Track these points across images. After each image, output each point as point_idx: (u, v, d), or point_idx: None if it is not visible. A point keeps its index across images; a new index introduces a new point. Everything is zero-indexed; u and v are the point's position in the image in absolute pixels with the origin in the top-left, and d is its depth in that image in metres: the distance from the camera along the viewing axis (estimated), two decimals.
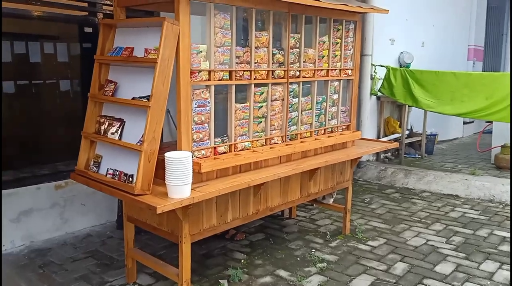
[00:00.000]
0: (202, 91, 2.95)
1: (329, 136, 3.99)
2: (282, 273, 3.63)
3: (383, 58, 7.05)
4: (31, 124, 4.84)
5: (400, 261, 3.88)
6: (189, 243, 2.97)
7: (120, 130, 2.95)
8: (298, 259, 3.90)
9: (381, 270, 3.70)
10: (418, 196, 5.82)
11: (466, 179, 6.03)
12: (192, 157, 2.87)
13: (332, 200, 4.64)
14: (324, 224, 4.77)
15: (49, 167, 4.53)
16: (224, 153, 3.16)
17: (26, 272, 3.63)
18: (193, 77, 2.86)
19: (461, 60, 9.50)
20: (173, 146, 3.11)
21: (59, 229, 4.32)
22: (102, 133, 3.04)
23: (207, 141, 3.03)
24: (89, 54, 4.18)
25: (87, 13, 4.50)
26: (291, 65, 3.53)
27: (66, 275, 3.59)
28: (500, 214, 5.11)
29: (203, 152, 3.01)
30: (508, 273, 3.67)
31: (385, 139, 7.04)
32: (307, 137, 3.83)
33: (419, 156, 7.68)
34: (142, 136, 2.72)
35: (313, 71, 3.76)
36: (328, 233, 4.47)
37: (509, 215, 5.06)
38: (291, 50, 3.51)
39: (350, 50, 4.14)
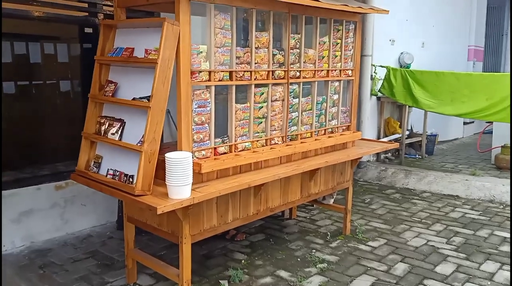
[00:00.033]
0: (203, 92, 2.95)
1: (329, 137, 3.99)
2: (283, 273, 3.63)
3: (383, 59, 7.05)
4: (31, 124, 4.84)
5: (400, 261, 3.88)
6: (189, 244, 2.97)
7: (120, 130, 2.95)
8: (299, 259, 3.89)
9: (381, 271, 3.70)
10: (419, 197, 5.81)
11: (467, 180, 6.03)
12: (193, 158, 2.87)
13: (332, 200, 4.64)
14: (324, 224, 4.77)
15: (50, 168, 4.53)
16: (225, 153, 3.16)
17: (27, 272, 3.63)
18: (194, 77, 2.86)
19: (461, 61, 9.50)
20: (174, 146, 3.11)
21: (59, 229, 4.32)
22: (102, 134, 3.04)
23: (208, 141, 3.03)
24: (89, 55, 4.18)
25: (87, 14, 4.50)
26: (291, 66, 3.53)
27: (66, 275, 3.59)
28: (500, 215, 5.10)
29: (203, 152, 3.01)
30: (509, 273, 3.67)
31: (385, 139, 7.04)
32: (308, 137, 3.83)
33: (420, 156, 7.68)
34: (143, 136, 2.72)
35: (313, 72, 3.76)
36: (328, 233, 4.47)
37: (509, 215, 5.06)
38: (292, 51, 3.51)
39: (350, 50, 4.14)
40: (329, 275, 3.60)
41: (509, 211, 5.20)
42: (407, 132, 7.44)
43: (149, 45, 2.81)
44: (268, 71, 3.36)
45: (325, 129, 4.01)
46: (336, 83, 4.07)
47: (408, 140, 7.38)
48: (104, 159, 3.06)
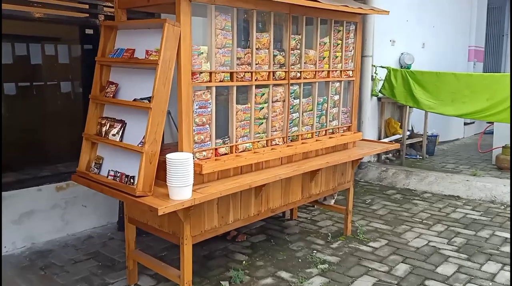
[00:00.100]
0: (203, 93, 2.95)
1: (330, 138, 3.99)
2: (284, 274, 3.63)
3: (383, 59, 7.05)
4: (32, 126, 4.84)
5: (401, 262, 3.88)
6: (190, 245, 2.97)
7: (121, 131, 2.95)
8: (300, 260, 3.89)
9: (382, 272, 3.69)
10: (419, 197, 5.81)
11: (467, 180, 6.02)
12: (193, 158, 2.87)
13: (333, 201, 4.64)
14: (325, 225, 4.76)
15: (50, 169, 4.54)
16: (225, 154, 3.16)
17: (27, 273, 3.63)
18: (194, 78, 2.86)
19: (461, 61, 9.49)
20: (174, 147, 3.11)
21: (60, 230, 4.32)
22: (103, 135, 3.04)
23: (208, 142, 3.03)
24: (90, 56, 4.19)
25: (88, 15, 4.51)
26: (292, 67, 3.53)
27: (67, 276, 3.59)
28: (501, 215, 5.10)
29: (204, 153, 3.01)
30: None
31: (386, 140, 7.03)
32: (308, 138, 3.83)
33: (420, 157, 7.67)
34: (143, 137, 2.72)
35: (314, 73, 3.76)
36: (329, 234, 4.46)
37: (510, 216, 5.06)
38: (292, 52, 3.51)
39: (351, 51, 4.14)
40: (330, 276, 3.59)
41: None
42: (408, 133, 7.44)
43: (150, 46, 2.81)
44: (269, 72, 3.36)
45: (326, 130, 4.01)
46: (337, 84, 4.07)
47: (409, 141, 7.38)
48: (105, 160, 3.06)
